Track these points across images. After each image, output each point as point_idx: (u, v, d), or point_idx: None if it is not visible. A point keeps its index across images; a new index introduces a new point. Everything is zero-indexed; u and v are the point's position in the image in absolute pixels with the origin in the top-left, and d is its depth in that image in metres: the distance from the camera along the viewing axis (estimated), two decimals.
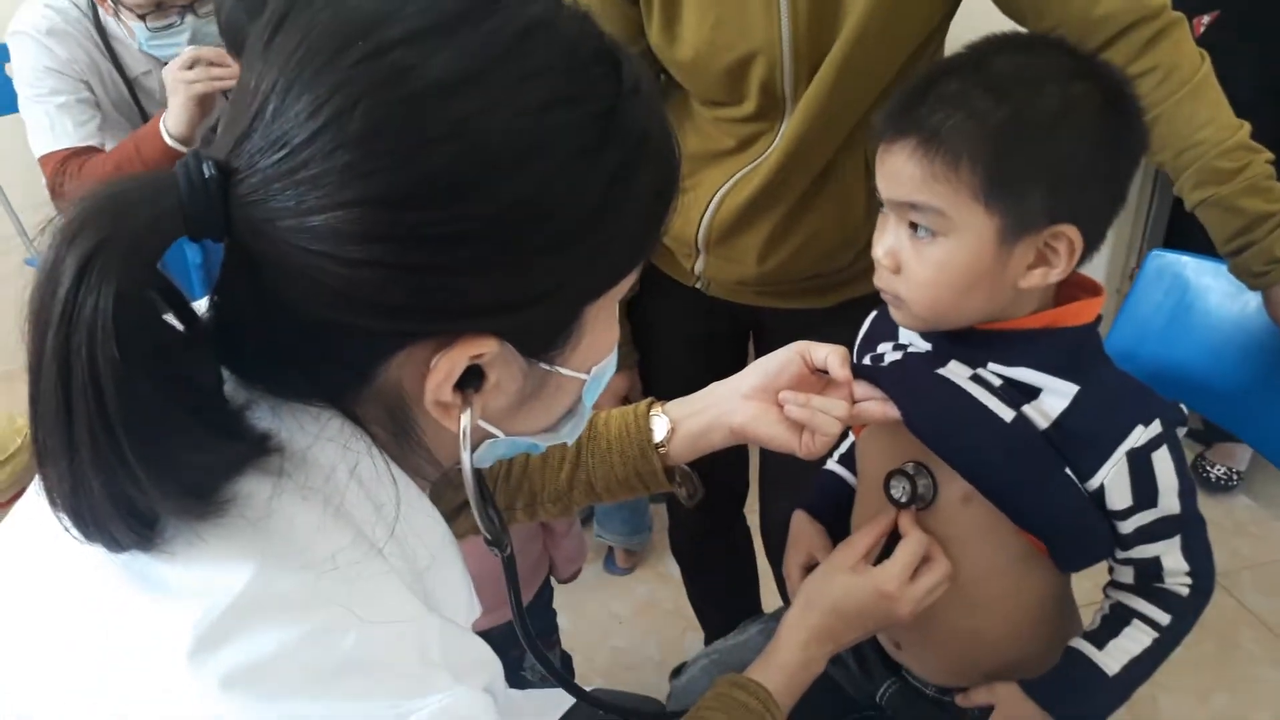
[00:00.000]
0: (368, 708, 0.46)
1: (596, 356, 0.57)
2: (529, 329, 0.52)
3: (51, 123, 1.76)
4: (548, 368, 0.54)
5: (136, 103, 1.82)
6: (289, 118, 0.46)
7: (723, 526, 1.46)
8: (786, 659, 0.80)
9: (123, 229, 0.44)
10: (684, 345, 1.29)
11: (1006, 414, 0.79)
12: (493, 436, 0.57)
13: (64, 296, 0.43)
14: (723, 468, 1.37)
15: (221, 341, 0.52)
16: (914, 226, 0.78)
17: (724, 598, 1.52)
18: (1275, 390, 1.02)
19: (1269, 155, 0.95)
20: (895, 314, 0.83)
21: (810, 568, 0.95)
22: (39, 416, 0.46)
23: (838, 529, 1.00)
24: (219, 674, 0.44)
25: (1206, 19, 1.86)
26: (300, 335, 0.50)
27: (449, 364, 0.50)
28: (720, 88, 1.07)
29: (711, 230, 1.13)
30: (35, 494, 0.53)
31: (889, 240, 0.79)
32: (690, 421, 0.85)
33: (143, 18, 1.67)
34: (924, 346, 0.86)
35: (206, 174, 0.46)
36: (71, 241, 0.44)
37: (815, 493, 1.04)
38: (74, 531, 0.48)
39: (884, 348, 0.91)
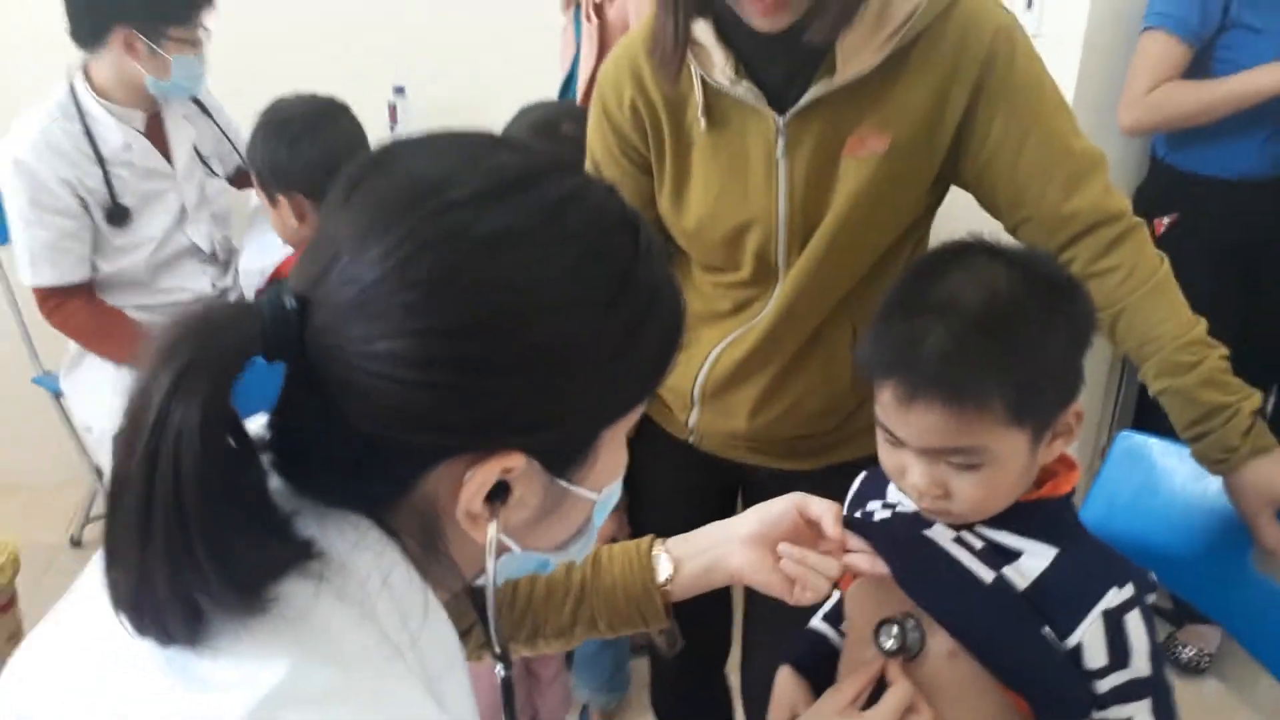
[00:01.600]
0: None
1: (608, 479, 0.63)
2: (553, 448, 0.58)
3: (32, 258, 1.94)
4: (566, 485, 0.60)
5: (109, 186, 1.96)
6: (362, 262, 0.53)
7: (704, 683, 1.47)
8: None
9: (211, 350, 0.50)
10: (673, 496, 1.34)
11: (987, 575, 0.84)
12: (510, 550, 0.62)
13: (157, 406, 0.49)
14: (706, 623, 1.40)
15: (279, 452, 0.57)
16: (951, 461, 0.82)
17: None
18: (1238, 569, 1.07)
19: (1223, 351, 1.03)
20: (943, 519, 0.88)
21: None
22: (118, 516, 0.51)
23: (821, 686, 1.02)
24: None
25: (1166, 220, 2.01)
26: (354, 448, 0.55)
27: (483, 476, 0.56)
28: (719, 254, 1.17)
29: (707, 384, 1.20)
30: (81, 599, 0.57)
31: (928, 475, 0.83)
32: (692, 562, 0.90)
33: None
34: (911, 507, 0.91)
35: (288, 305, 0.53)
36: (166, 359, 0.49)
37: (800, 648, 1.07)
38: (129, 626, 0.52)
39: (873, 505, 0.96)
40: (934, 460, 0.82)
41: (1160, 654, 0.86)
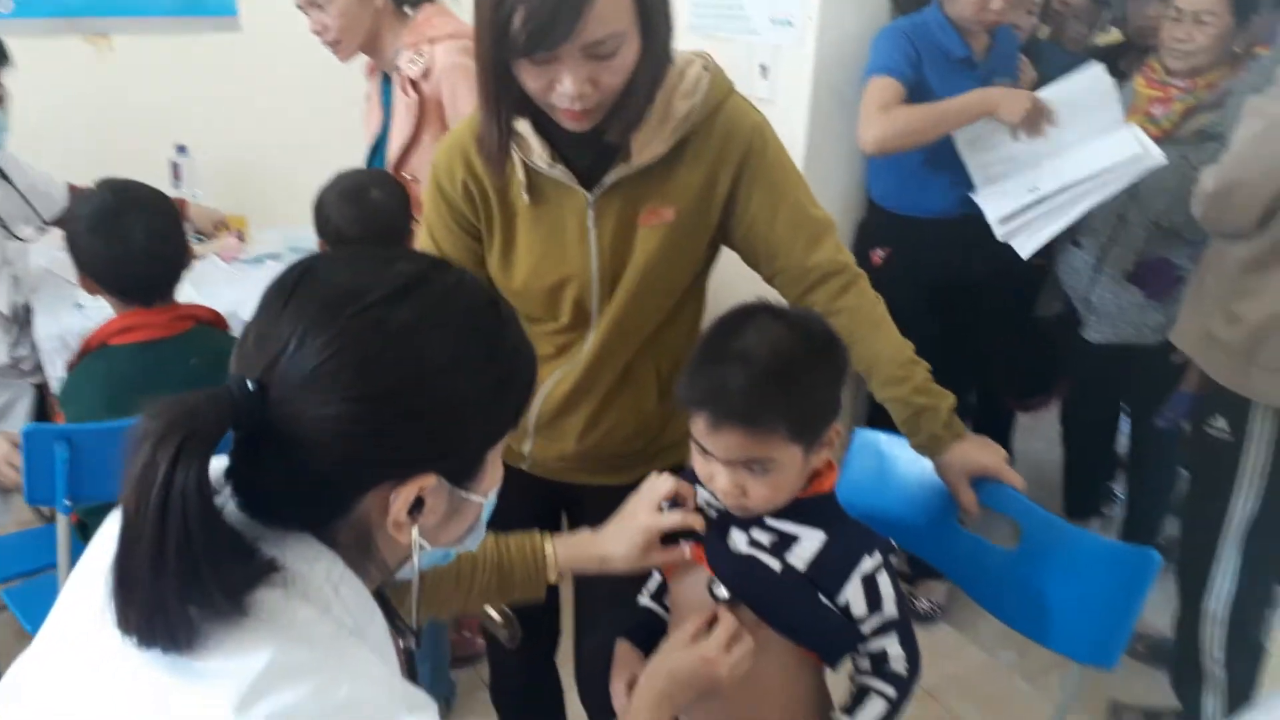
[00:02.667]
0: None
1: (491, 485, 0.86)
2: (454, 468, 0.80)
3: None
4: (464, 494, 0.82)
5: None
6: (306, 352, 0.72)
7: (539, 674, 1.69)
8: (639, 718, 1.07)
9: (200, 428, 0.68)
10: (508, 516, 1.54)
11: (776, 565, 1.13)
12: (424, 548, 0.82)
13: (164, 473, 0.66)
14: (539, 620, 1.63)
15: (242, 491, 0.76)
16: (748, 468, 1.10)
17: None
18: (951, 529, 1.42)
19: (927, 366, 1.37)
20: (739, 513, 1.16)
21: (631, 685, 1.22)
22: (131, 558, 0.67)
23: (650, 649, 1.29)
24: (262, 716, 0.65)
25: (881, 253, 2.44)
26: (305, 484, 0.74)
27: (406, 495, 0.76)
28: (542, 305, 1.40)
29: (540, 416, 1.44)
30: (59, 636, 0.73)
31: (730, 479, 1.11)
32: (567, 550, 1.20)
33: None
34: (717, 509, 1.19)
35: (251, 388, 0.72)
36: (162, 439, 0.67)
37: (633, 623, 1.32)
38: (135, 639, 0.68)
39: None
40: (735, 468, 1.10)
41: (904, 599, 1.18)
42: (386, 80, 2.24)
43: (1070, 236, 2.54)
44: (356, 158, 2.34)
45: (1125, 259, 2.41)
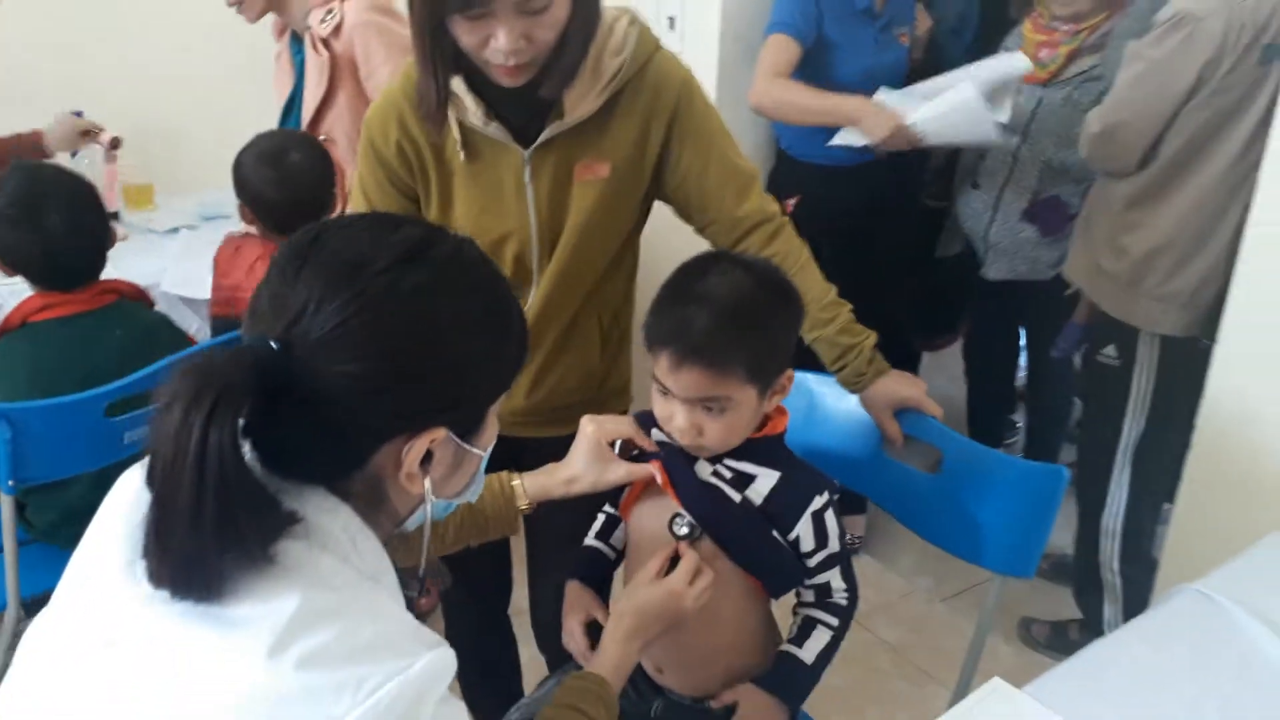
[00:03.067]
0: (387, 666, 0.71)
1: (489, 440, 0.90)
2: (461, 422, 0.84)
3: None
4: (468, 447, 0.86)
5: None
6: (324, 314, 0.75)
7: (493, 626, 1.74)
8: (611, 653, 1.12)
9: (228, 387, 0.71)
10: None
11: (736, 496, 1.19)
12: (432, 499, 0.86)
13: (198, 434, 0.69)
14: (491, 574, 1.67)
15: (262, 446, 0.78)
16: (705, 407, 1.15)
17: (498, 683, 1.79)
18: (878, 458, 1.51)
19: (849, 306, 1.45)
20: (693, 451, 1.20)
21: (588, 624, 1.28)
22: (167, 514, 0.70)
23: (603, 593, 1.34)
24: (294, 660, 0.69)
25: (791, 202, 2.51)
26: (326, 439, 0.78)
27: (419, 448, 0.80)
28: None
29: None
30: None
31: (687, 418, 1.15)
32: (533, 479, 1.26)
33: None
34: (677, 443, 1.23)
35: (275, 347, 0.75)
36: (194, 400, 0.69)
37: (582, 565, 1.37)
38: (169, 591, 0.71)
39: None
40: (693, 407, 1.15)
41: (843, 534, 1.26)
42: (296, 40, 2.21)
43: (969, 179, 2.66)
44: (266, 119, 2.30)
45: (1020, 198, 2.54)
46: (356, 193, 1.46)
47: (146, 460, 0.74)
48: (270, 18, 2.18)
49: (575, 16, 1.23)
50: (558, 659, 1.56)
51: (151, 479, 0.72)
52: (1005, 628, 2.41)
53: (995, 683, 1.08)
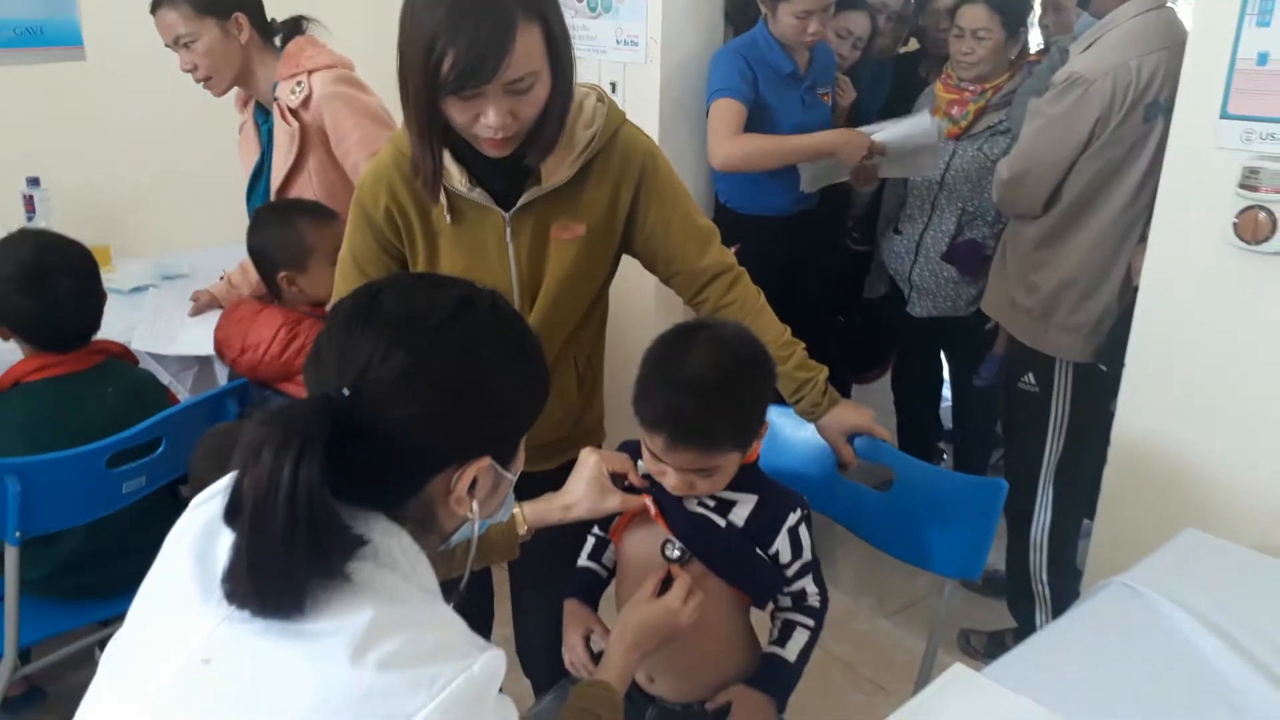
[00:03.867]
0: (454, 665, 0.82)
1: (520, 466, 1.02)
2: (501, 452, 0.96)
3: None
4: (504, 472, 0.98)
5: None
6: (387, 366, 0.87)
7: None
8: (615, 664, 1.24)
9: (312, 432, 0.82)
10: None
11: (721, 521, 1.33)
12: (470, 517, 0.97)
13: (289, 474, 0.79)
14: (473, 602, 1.76)
15: (332, 479, 0.86)
16: (696, 472, 1.28)
17: None
18: (833, 479, 1.66)
19: (803, 345, 1.60)
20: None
21: (586, 638, 1.39)
22: (260, 544, 0.80)
23: (595, 609, 1.46)
24: (373, 662, 0.79)
25: (733, 250, 2.68)
26: (389, 471, 0.89)
27: (468, 475, 0.92)
28: None
29: None
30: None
31: (682, 480, 1.28)
32: (532, 506, 1.36)
33: None
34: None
35: (347, 393, 0.86)
36: (283, 445, 0.80)
37: (578, 584, 1.49)
38: (253, 610, 0.81)
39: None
40: (686, 473, 1.29)
41: (815, 545, 1.40)
42: (261, 110, 2.30)
43: (891, 225, 2.88)
44: (220, 183, 2.38)
45: (939, 242, 2.76)
46: (344, 256, 1.56)
47: (226, 500, 0.83)
48: (233, 91, 2.27)
49: (554, 95, 1.36)
50: (546, 681, 1.66)
51: (234, 515, 0.82)
52: (946, 640, 2.57)
53: (957, 668, 1.23)
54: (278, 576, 0.80)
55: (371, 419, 0.86)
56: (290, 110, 2.15)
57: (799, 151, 2.57)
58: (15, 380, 1.70)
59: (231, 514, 0.83)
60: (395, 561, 0.89)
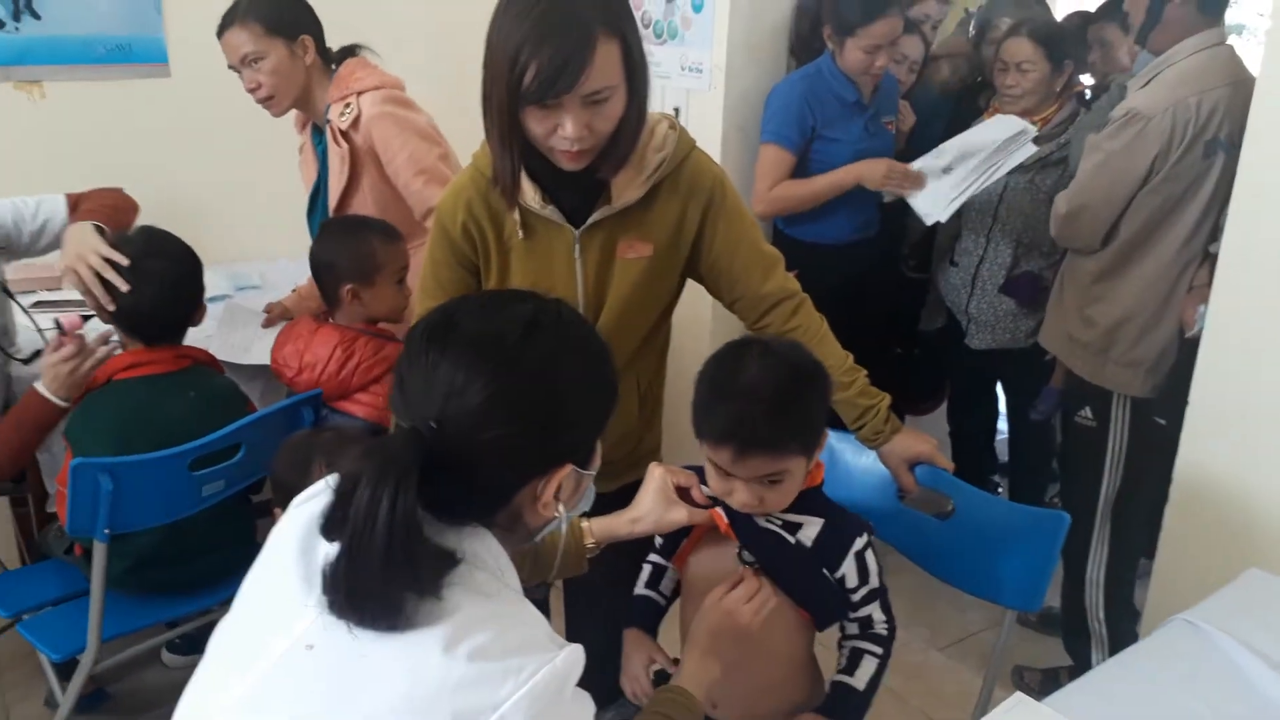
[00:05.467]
0: (539, 657, 0.86)
1: (598, 462, 1.05)
2: (582, 457, 1.00)
3: None
4: (584, 473, 1.02)
5: None
6: (470, 393, 0.91)
7: None
8: (689, 670, 1.26)
9: (409, 461, 0.87)
10: None
11: (790, 539, 1.35)
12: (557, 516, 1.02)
13: (387, 504, 0.84)
14: None
15: (425, 499, 0.91)
16: (766, 482, 1.29)
17: None
18: (894, 506, 1.67)
19: (865, 371, 1.63)
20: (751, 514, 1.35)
21: (647, 667, 1.42)
22: (361, 567, 0.85)
23: (655, 637, 1.48)
24: (465, 654, 0.84)
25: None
26: (478, 490, 0.93)
27: (554, 483, 0.96)
28: None
29: None
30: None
31: (751, 493, 1.30)
32: (600, 522, 1.39)
33: None
34: None
35: (434, 425, 0.90)
36: (381, 477, 0.85)
37: (637, 613, 1.51)
38: (356, 621, 0.86)
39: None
40: (754, 483, 1.30)
41: (883, 571, 1.40)
42: (317, 132, 2.37)
43: (947, 258, 2.89)
44: (292, 197, 2.45)
45: (996, 274, 2.76)
46: (426, 266, 1.62)
47: (323, 514, 0.89)
48: (293, 112, 2.34)
49: (629, 111, 1.41)
50: (601, 700, 1.68)
51: (334, 534, 0.88)
52: (1000, 675, 2.55)
53: (1018, 696, 1.23)
54: (376, 598, 0.85)
55: (458, 446, 0.90)
56: (340, 132, 2.21)
57: (827, 191, 2.62)
58: (109, 376, 1.78)
59: (329, 530, 0.89)
60: (484, 562, 0.94)
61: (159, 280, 1.81)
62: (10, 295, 2.05)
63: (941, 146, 2.59)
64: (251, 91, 2.23)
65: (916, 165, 2.60)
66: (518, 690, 0.84)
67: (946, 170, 2.57)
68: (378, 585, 0.84)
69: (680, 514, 1.38)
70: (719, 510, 1.37)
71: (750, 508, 1.32)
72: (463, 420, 0.90)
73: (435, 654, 0.84)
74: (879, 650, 1.41)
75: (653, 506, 1.39)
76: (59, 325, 1.85)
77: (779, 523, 1.37)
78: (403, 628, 0.86)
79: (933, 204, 2.59)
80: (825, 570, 1.37)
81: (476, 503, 0.95)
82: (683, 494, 1.41)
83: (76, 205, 2.08)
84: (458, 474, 0.91)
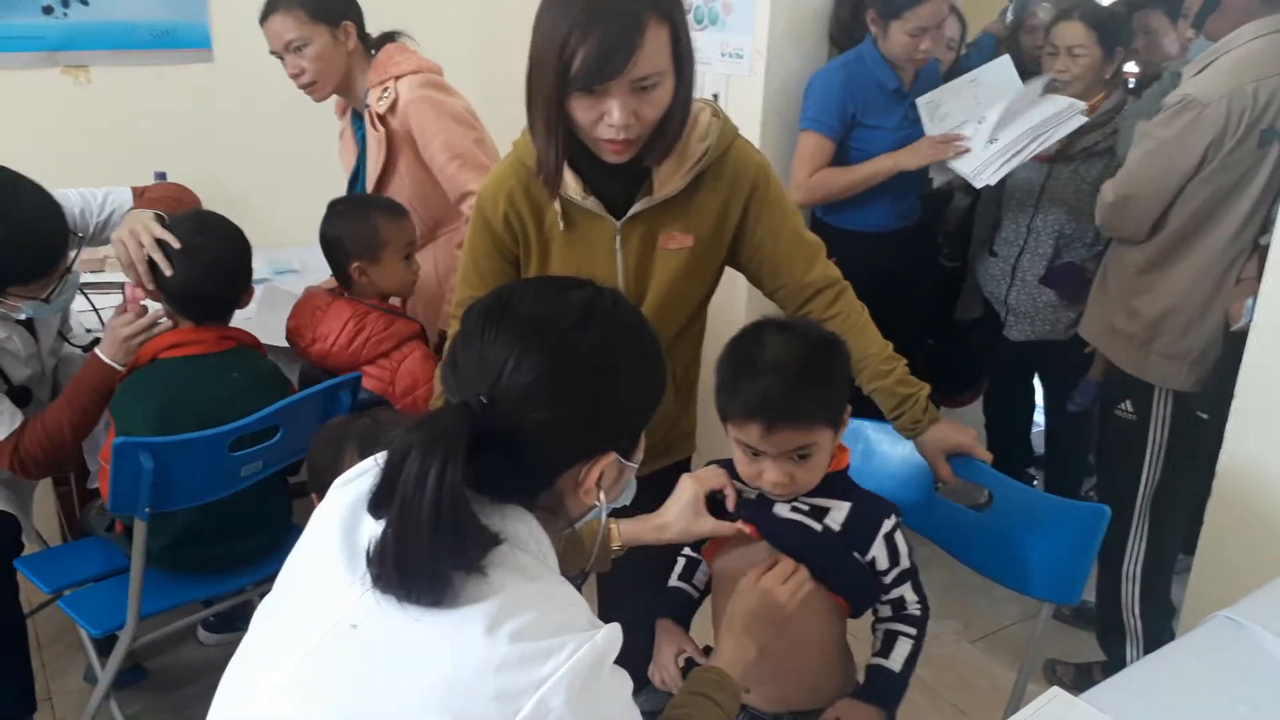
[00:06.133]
0: (579, 636, 0.87)
1: (641, 454, 1.05)
2: (625, 445, 1.01)
3: None
4: (626, 463, 1.02)
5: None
6: (521, 372, 0.91)
7: None
8: (725, 649, 1.27)
9: (456, 438, 0.87)
10: None
11: (817, 526, 1.34)
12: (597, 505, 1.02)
13: (435, 477, 0.85)
14: None
15: (470, 476, 0.92)
16: (795, 457, 1.30)
17: None
18: (929, 496, 1.66)
19: (905, 360, 1.61)
20: (787, 497, 1.35)
21: (677, 657, 1.42)
22: (409, 541, 0.85)
23: (687, 628, 1.49)
24: (507, 634, 0.85)
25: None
26: (522, 469, 0.94)
27: (598, 469, 0.97)
28: None
29: None
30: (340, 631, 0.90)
31: (779, 471, 1.30)
32: (628, 526, 1.39)
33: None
34: (753, 492, 1.39)
35: (485, 401, 0.91)
36: (429, 450, 0.86)
37: (670, 604, 1.51)
38: (400, 597, 0.87)
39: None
40: (783, 460, 1.30)
41: (913, 551, 1.40)
42: (357, 116, 2.39)
43: (986, 247, 2.85)
44: (332, 181, 2.47)
45: (1036, 265, 2.72)
46: (466, 255, 1.62)
47: (371, 491, 0.90)
48: (334, 97, 2.36)
49: (676, 98, 1.40)
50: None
51: (381, 510, 0.88)
52: (1033, 671, 2.53)
53: (1054, 690, 1.22)
54: (423, 572, 0.86)
55: (508, 423, 0.91)
56: (379, 116, 2.23)
57: (863, 181, 2.59)
58: (153, 355, 1.81)
59: (377, 505, 0.89)
60: (526, 544, 0.94)
61: (211, 259, 1.84)
62: (82, 291, 2.10)
63: (986, 114, 2.54)
64: (295, 77, 2.25)
65: (962, 130, 2.55)
66: (559, 669, 0.84)
67: (992, 140, 2.53)
68: (425, 557, 0.85)
69: (705, 525, 1.39)
70: (743, 523, 1.37)
71: (782, 487, 1.32)
72: (513, 397, 0.91)
73: (478, 635, 0.85)
74: (913, 631, 1.40)
75: (679, 517, 1.40)
76: (124, 294, 1.89)
77: (806, 509, 1.37)
78: (448, 604, 0.87)
79: (982, 167, 2.53)
80: (856, 554, 1.36)
81: (521, 482, 0.95)
82: (715, 496, 1.41)
83: (141, 196, 2.12)
84: (504, 452, 0.92)
